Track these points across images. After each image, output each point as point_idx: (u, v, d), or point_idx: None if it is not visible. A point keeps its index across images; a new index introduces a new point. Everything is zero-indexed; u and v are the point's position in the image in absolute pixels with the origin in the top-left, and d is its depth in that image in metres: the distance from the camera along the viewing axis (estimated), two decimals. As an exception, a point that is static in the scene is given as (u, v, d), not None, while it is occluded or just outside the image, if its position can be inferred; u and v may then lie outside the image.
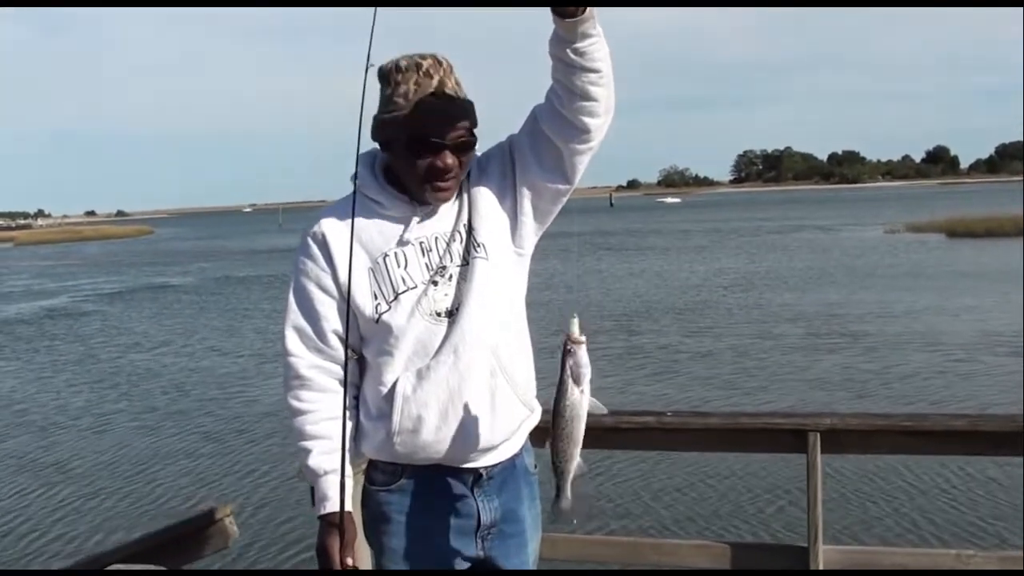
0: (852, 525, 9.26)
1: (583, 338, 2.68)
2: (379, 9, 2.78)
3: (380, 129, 2.84)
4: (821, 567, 4.40)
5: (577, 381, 2.68)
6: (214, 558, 4.18)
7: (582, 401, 2.70)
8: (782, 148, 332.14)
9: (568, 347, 2.67)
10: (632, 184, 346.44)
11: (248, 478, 12.14)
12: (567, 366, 2.67)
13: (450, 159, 2.77)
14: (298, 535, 9.40)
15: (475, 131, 2.84)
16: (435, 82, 2.78)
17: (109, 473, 12.84)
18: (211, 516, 3.99)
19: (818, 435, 4.35)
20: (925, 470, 10.55)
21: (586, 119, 2.70)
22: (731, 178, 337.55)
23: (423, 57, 2.81)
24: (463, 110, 2.81)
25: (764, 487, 10.42)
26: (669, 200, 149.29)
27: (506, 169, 2.88)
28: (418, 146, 2.77)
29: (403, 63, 2.80)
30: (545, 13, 2.56)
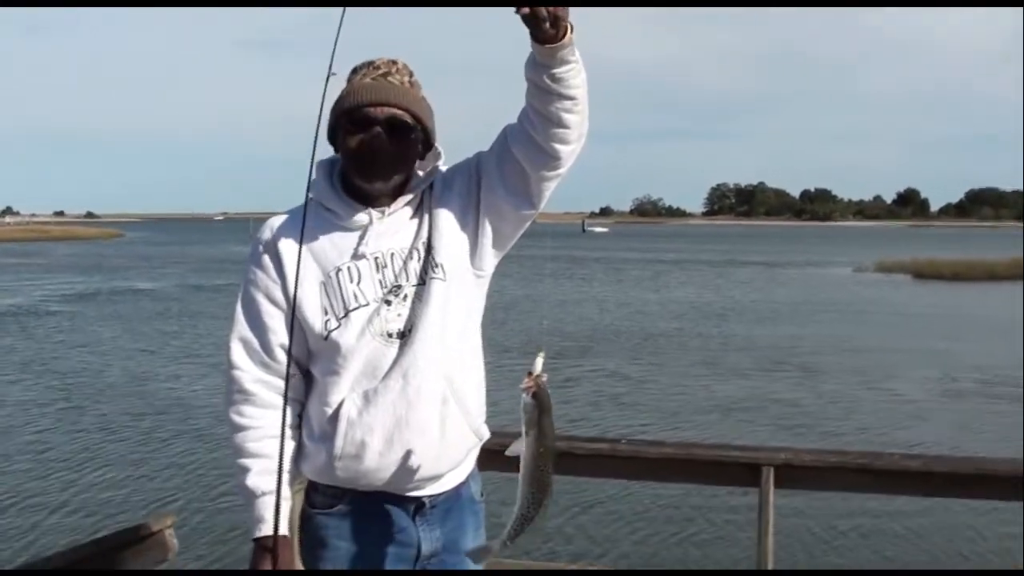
0: (804, 559, 9.24)
1: (545, 375, 2.59)
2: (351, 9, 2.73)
3: (330, 122, 2.80)
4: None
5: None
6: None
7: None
8: (755, 183, 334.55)
9: (541, 386, 2.58)
10: (605, 211, 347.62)
11: (192, 488, 11.97)
12: (544, 408, 2.59)
13: (381, 137, 2.72)
14: (243, 548, 9.25)
15: (426, 130, 2.82)
16: (381, 72, 2.77)
17: (40, 480, 12.56)
18: (148, 528, 3.87)
19: (772, 469, 4.30)
20: (879, 508, 10.54)
21: (557, 145, 2.64)
22: (704, 210, 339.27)
23: (381, 59, 2.80)
24: (403, 94, 2.76)
25: (720, 513, 10.41)
26: (598, 229, 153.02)
27: (471, 187, 2.82)
28: (349, 122, 2.74)
29: (360, 63, 2.80)
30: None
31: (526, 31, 2.46)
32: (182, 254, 79.47)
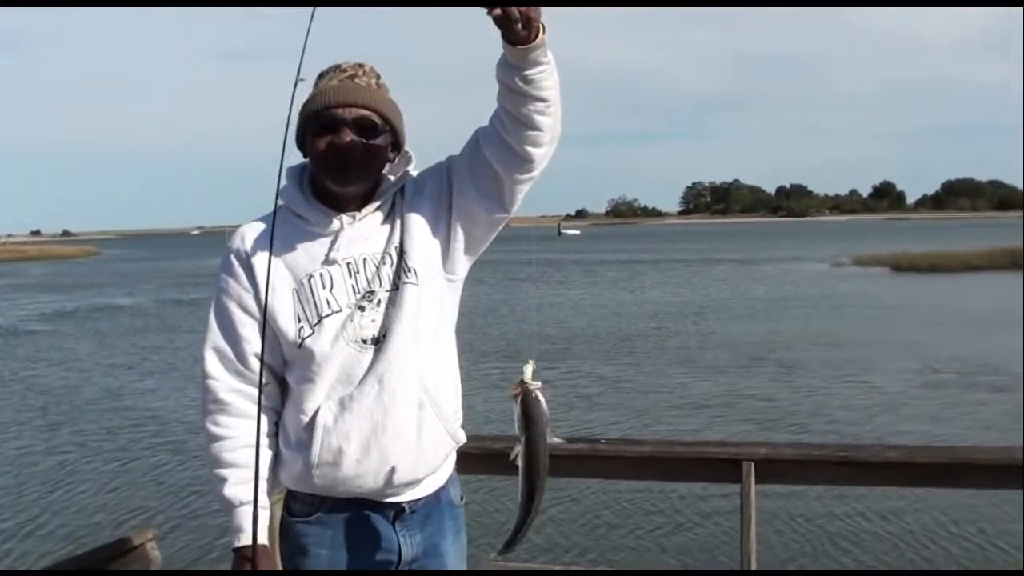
0: (786, 555, 9.26)
1: (539, 383, 2.60)
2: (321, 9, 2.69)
3: (298, 128, 2.79)
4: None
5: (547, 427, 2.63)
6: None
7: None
8: (730, 181, 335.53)
9: (533, 394, 2.59)
10: (581, 213, 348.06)
11: (172, 501, 11.93)
12: (545, 415, 2.61)
13: (349, 137, 2.70)
14: (224, 560, 9.19)
15: (395, 131, 2.80)
16: (347, 75, 2.76)
17: (16, 496, 12.52)
18: (130, 542, 3.86)
19: (752, 464, 4.30)
20: (861, 501, 10.56)
21: (530, 148, 2.62)
22: (679, 210, 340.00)
23: (347, 62, 2.79)
24: (370, 95, 2.75)
25: (702, 511, 10.42)
26: (570, 232, 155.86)
27: (443, 191, 2.79)
28: (317, 125, 2.72)
29: (327, 67, 2.78)
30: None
31: (498, 32, 2.44)
32: (159, 269, 79.12)
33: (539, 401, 2.60)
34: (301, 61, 2.68)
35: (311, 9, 2.68)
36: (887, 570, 9.16)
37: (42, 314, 39.59)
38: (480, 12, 2.37)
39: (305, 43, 2.68)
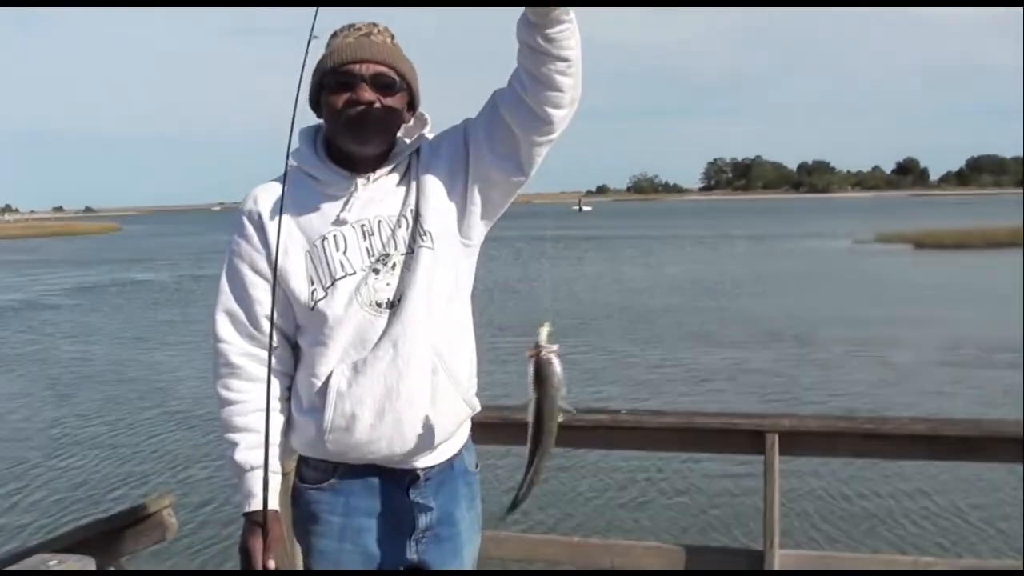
0: (810, 528, 9.21)
1: (555, 345, 2.56)
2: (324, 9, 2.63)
3: (312, 87, 2.72)
4: (777, 570, 4.29)
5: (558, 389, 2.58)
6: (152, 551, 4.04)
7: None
8: (752, 157, 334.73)
9: (546, 356, 2.54)
10: (601, 190, 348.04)
11: (193, 468, 12.00)
12: (556, 377, 2.56)
13: (367, 94, 2.64)
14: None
15: (411, 89, 2.75)
16: (362, 32, 2.69)
17: (23, 465, 12.60)
18: (146, 508, 3.83)
19: (776, 436, 4.24)
20: (885, 474, 10.49)
21: (550, 109, 2.55)
22: (701, 186, 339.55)
23: (361, 21, 2.72)
24: (387, 52, 2.69)
25: (721, 488, 10.36)
26: (586, 208, 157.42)
27: (459, 153, 2.73)
28: (333, 82, 2.66)
29: (340, 27, 2.72)
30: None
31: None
32: (179, 245, 79.51)
33: (552, 362, 2.54)
34: (314, 23, 2.61)
35: (314, 9, 2.62)
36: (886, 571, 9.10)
37: (63, 289, 39.85)
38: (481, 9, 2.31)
39: (308, 43, 2.63)
